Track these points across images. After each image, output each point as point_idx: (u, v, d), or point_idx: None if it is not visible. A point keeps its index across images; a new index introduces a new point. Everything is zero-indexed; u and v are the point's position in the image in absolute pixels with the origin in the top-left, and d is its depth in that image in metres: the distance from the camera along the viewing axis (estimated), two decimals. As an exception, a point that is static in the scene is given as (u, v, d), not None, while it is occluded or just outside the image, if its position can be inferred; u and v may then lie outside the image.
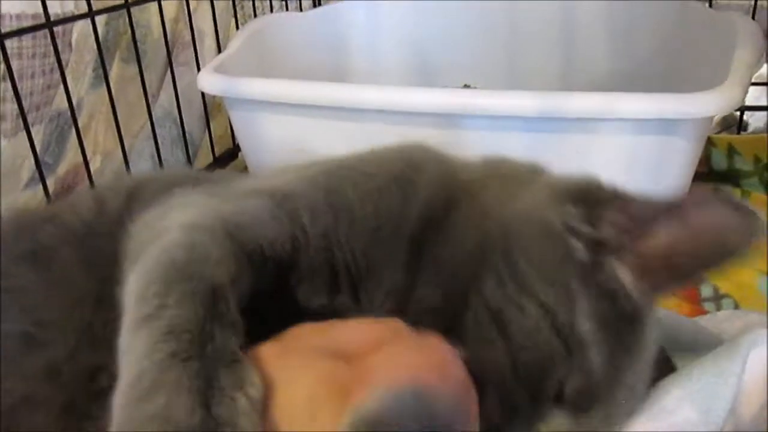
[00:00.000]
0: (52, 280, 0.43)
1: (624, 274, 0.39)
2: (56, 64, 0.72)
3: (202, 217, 0.36)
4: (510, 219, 0.40)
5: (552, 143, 0.67)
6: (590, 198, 0.41)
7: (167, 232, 0.35)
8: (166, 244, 0.33)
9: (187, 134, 1.00)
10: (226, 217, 0.37)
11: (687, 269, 0.39)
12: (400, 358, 0.30)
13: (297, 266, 0.38)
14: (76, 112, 0.76)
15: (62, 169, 0.83)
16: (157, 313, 0.29)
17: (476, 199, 0.43)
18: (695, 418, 0.44)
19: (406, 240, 0.41)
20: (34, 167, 0.71)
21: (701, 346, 0.51)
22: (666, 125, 0.63)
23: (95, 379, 0.39)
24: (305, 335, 0.32)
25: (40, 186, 0.72)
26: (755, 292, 0.71)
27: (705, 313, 0.67)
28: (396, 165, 0.44)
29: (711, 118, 0.67)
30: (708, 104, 0.61)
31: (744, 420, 0.45)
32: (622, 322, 0.39)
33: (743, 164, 0.96)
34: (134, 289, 0.31)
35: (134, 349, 0.28)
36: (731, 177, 0.96)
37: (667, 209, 0.38)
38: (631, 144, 0.64)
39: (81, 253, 0.44)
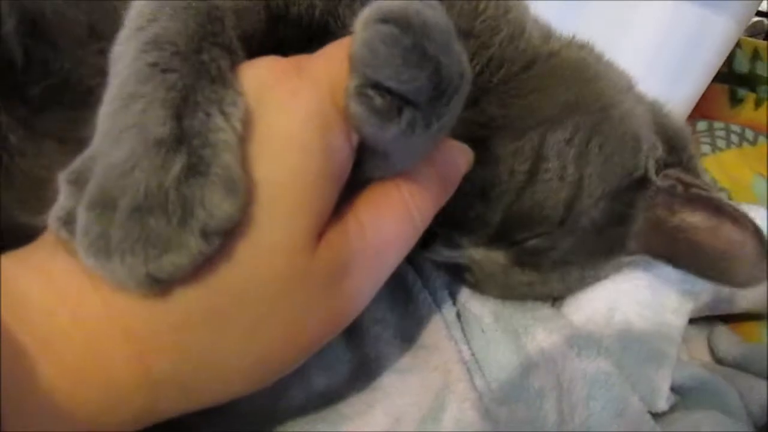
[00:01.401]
0: None
1: (639, 222, 0.42)
2: None
3: None
4: (613, 105, 0.42)
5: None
6: (675, 148, 0.44)
7: None
8: None
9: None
10: None
11: (685, 262, 0.42)
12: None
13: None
14: None
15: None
16: (147, 25, 0.28)
17: (578, 62, 0.44)
18: (674, 275, 0.45)
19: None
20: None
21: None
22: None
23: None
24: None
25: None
26: (749, 192, 0.72)
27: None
28: None
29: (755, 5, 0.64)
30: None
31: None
32: (606, 246, 0.43)
33: (764, 71, 0.94)
34: (135, 6, 0.30)
35: (121, 59, 0.28)
36: (750, 81, 0.95)
37: (716, 208, 0.40)
38: (673, 12, 0.61)
39: None
